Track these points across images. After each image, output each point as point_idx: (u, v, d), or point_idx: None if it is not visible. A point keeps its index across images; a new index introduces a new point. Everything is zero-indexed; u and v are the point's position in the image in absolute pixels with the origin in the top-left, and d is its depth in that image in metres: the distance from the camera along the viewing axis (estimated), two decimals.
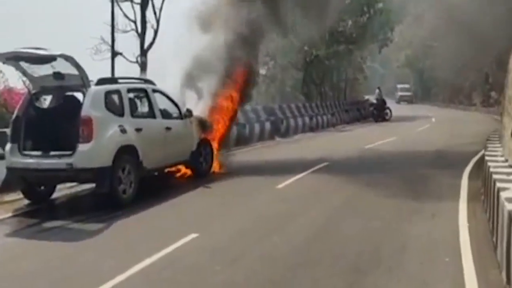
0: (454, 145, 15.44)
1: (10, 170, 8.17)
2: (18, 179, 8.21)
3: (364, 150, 14.81)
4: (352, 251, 5.80)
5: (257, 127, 17.70)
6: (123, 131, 8.25)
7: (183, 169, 10.63)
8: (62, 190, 9.11)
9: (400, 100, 53.95)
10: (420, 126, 23.43)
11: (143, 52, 17.54)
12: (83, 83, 8.04)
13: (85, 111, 7.87)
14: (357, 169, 11.32)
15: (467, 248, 5.79)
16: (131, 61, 17.42)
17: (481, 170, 9.07)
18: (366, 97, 35.82)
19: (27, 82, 9.08)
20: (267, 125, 18.61)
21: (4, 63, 8.53)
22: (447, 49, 43.92)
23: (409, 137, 18.63)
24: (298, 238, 6.32)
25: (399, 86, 56.98)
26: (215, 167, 11.16)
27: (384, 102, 29.00)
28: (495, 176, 6.39)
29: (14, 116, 8.37)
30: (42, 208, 8.23)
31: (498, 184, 5.90)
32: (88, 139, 7.77)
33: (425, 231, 6.53)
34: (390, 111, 28.69)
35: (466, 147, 14.24)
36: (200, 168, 10.53)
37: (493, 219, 6.00)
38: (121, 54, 16.62)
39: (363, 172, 10.81)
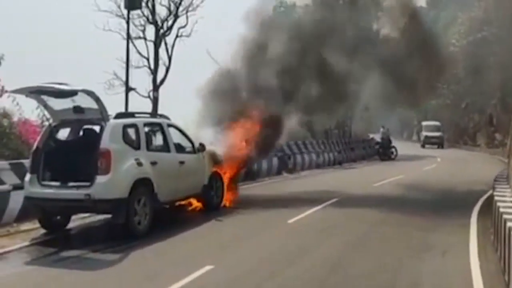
0: (462, 184, 15.54)
1: (29, 199, 8.39)
2: (36, 208, 8.41)
3: (373, 187, 14.94)
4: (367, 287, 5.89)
5: (264, 163, 17.88)
6: (139, 164, 8.47)
7: (194, 202, 10.79)
8: (76, 221, 9.26)
9: (426, 142, 41.15)
10: (426, 166, 23.54)
11: (155, 88, 18.00)
12: (102, 116, 8.32)
13: (104, 144, 8.11)
14: (366, 205, 11.42)
15: (479, 285, 5.87)
16: (143, 96, 17.88)
17: (489, 209, 9.18)
18: (371, 135, 36.04)
19: (47, 115, 9.40)
20: (275, 161, 18.80)
21: (27, 96, 8.87)
22: (451, 89, 44.60)
23: (417, 176, 18.72)
24: (312, 273, 6.41)
25: (424, 123, 43.98)
26: (226, 201, 11.32)
27: (390, 141, 29.23)
28: (505, 216, 6.52)
29: (34, 147, 8.62)
30: (58, 237, 8.38)
31: (509, 224, 6.03)
32: (106, 171, 7.98)
33: (437, 268, 6.63)
34: (396, 150, 28.87)
35: (474, 187, 14.35)
36: (211, 202, 10.68)
37: (505, 258, 6.10)
38: (134, 89, 17.03)
39: (372, 209, 10.92)
